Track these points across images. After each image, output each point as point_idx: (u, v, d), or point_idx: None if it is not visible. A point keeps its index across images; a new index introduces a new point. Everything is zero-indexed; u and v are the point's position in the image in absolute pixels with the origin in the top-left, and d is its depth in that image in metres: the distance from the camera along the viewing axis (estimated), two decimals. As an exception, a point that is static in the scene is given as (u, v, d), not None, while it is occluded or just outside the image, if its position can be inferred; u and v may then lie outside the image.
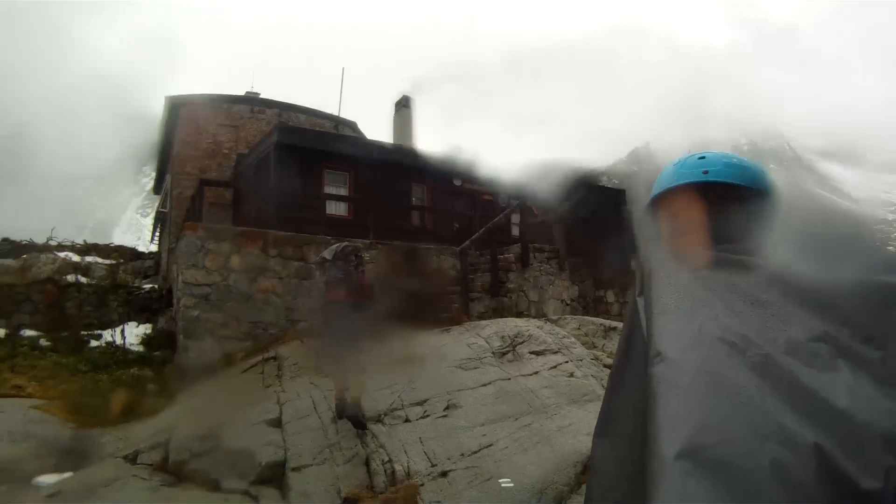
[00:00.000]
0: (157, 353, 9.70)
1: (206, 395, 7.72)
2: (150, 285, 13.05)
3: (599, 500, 0.94)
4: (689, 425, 0.68)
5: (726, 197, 0.99)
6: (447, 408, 6.25)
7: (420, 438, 5.59)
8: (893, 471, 0.64)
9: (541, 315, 10.81)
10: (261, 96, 16.96)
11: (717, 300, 0.81)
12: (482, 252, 11.70)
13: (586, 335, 9.27)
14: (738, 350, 0.73)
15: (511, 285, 11.09)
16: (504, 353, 7.84)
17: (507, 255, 11.36)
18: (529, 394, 6.67)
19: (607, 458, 0.94)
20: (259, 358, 8.22)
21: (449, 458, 5.27)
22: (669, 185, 1.07)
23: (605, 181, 16.77)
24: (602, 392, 6.03)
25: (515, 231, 13.34)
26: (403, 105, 16.58)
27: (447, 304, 10.79)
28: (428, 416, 6.08)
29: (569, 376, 7.33)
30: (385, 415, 6.07)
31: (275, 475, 5.30)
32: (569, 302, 11.74)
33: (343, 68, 20.23)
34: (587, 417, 6.27)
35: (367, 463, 5.35)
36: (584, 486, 5.57)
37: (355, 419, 5.58)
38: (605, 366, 7.97)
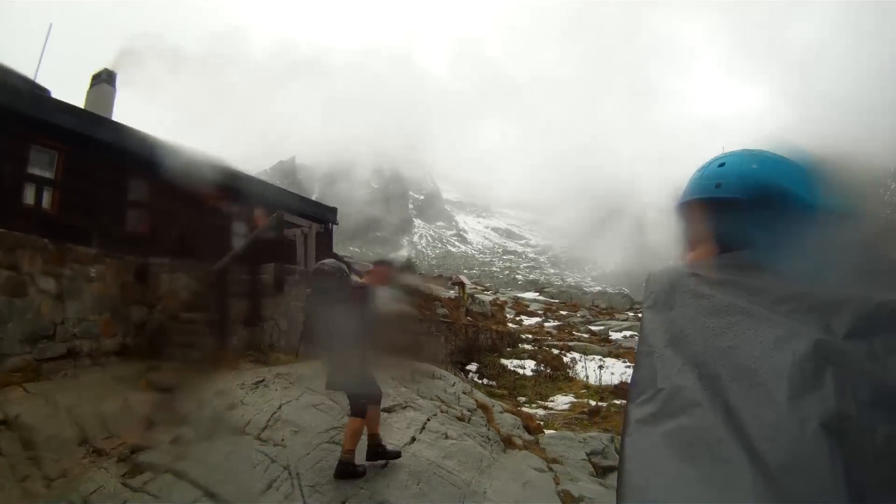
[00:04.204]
0: None
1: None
2: None
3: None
4: (644, 489, 0.66)
5: (741, 212, 0.90)
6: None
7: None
8: None
9: (292, 349, 8.92)
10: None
11: (697, 340, 0.75)
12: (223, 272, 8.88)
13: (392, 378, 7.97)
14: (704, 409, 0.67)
15: (265, 313, 8.76)
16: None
17: (262, 277, 8.93)
18: (439, 470, 5.26)
19: None
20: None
21: None
22: (683, 199, 1.00)
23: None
24: (481, 451, 5.20)
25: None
26: (103, 80, 11.56)
27: (190, 336, 7.67)
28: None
29: (445, 438, 6.09)
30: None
31: None
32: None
33: (51, 24, 13.18)
34: (510, 489, 5.29)
35: None
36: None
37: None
38: (457, 418, 6.97)
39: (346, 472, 4.44)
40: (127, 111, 14.78)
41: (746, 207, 0.90)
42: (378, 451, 4.85)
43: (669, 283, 0.92)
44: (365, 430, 4.74)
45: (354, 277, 4.95)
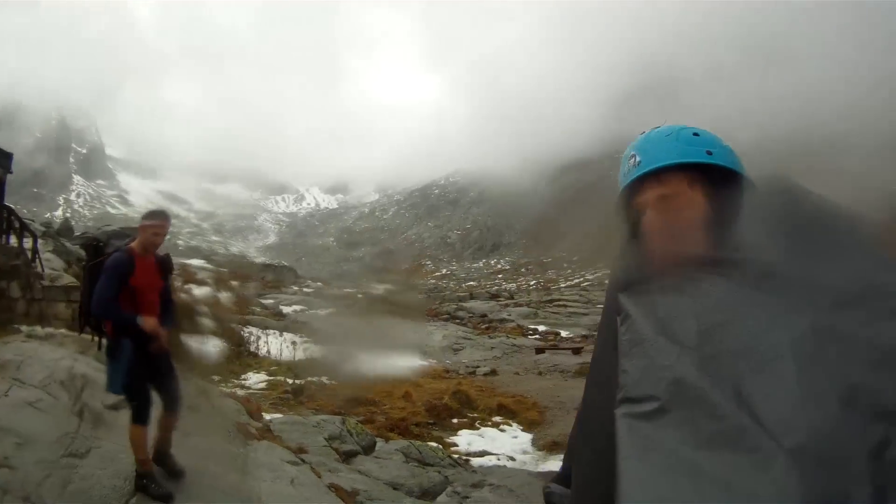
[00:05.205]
0: None
1: None
2: None
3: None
4: (661, 488, 0.63)
5: (724, 186, 0.85)
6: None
7: None
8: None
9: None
10: None
11: (687, 320, 0.71)
12: None
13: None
14: (700, 403, 0.64)
15: None
16: (81, 412, 4.57)
17: None
18: (201, 477, 4.48)
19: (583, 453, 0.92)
20: None
21: None
22: (668, 162, 0.88)
23: None
24: (229, 447, 5.06)
25: None
26: None
27: None
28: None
29: (186, 435, 5.15)
30: None
31: None
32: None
33: None
34: (281, 490, 4.88)
35: None
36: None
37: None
38: (186, 406, 5.88)
39: (142, 485, 3.63)
40: None
41: (739, 181, 0.86)
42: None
43: (642, 261, 0.86)
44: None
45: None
